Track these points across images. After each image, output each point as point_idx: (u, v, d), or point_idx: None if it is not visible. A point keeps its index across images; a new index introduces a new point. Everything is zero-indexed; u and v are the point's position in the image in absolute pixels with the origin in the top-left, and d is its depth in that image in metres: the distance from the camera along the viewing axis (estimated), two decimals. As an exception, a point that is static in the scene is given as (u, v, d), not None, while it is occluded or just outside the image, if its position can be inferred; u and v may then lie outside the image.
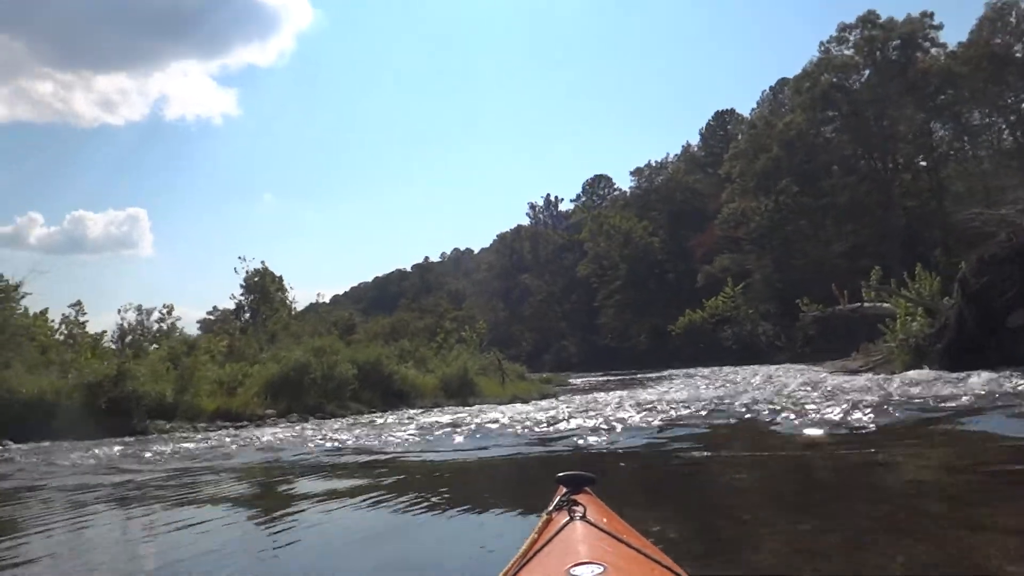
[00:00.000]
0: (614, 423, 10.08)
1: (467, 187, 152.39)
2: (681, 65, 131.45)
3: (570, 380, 37.32)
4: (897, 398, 11.75)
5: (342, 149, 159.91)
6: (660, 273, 64.10)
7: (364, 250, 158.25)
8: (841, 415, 9.31)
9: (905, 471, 5.56)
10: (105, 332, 22.09)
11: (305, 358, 15.60)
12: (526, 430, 9.72)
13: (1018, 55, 49.17)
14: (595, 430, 9.22)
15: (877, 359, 23.49)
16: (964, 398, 10.65)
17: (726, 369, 35.19)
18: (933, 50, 50.74)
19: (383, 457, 7.60)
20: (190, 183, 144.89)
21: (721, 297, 53.09)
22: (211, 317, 46.84)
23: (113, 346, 18.82)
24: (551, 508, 2.10)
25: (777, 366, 35.23)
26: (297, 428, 11.99)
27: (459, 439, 8.84)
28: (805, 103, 51.25)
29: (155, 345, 19.01)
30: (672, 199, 66.73)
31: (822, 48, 52.12)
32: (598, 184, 79.08)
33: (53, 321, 20.94)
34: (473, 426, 10.71)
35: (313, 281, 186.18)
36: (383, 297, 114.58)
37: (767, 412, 10.68)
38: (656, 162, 75.07)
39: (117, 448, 9.17)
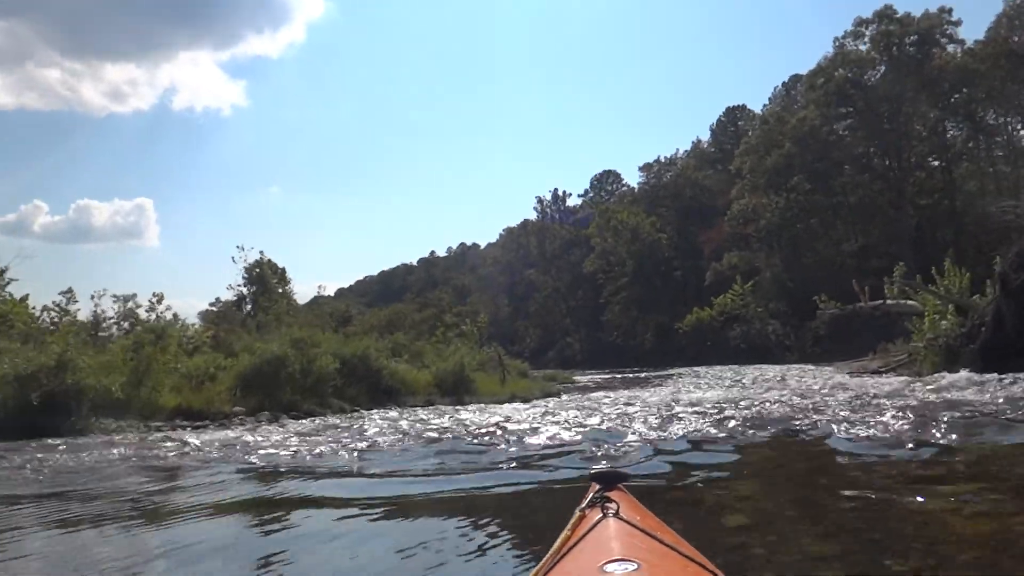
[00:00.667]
0: (624, 432, 8.57)
1: (475, 182, 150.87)
2: (692, 61, 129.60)
3: (574, 378, 35.72)
4: (942, 406, 10.14)
5: (350, 142, 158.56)
6: (667, 270, 62.40)
7: (370, 244, 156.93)
8: (885, 428, 7.72)
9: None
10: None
11: (282, 350, 14.03)
12: (520, 441, 8.14)
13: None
14: (602, 442, 7.68)
15: (900, 359, 21.83)
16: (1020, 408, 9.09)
17: (735, 368, 33.55)
18: (950, 47, 48.83)
19: (305, 489, 5.94)
20: (197, 174, 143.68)
21: (729, 295, 51.40)
22: (213, 309, 45.47)
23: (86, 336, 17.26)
24: (584, 505, 2.09)
25: (788, 366, 33.60)
26: (257, 431, 10.43)
27: (430, 458, 7.23)
28: (819, 99, 49.46)
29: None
30: (681, 195, 64.98)
31: (837, 43, 50.31)
32: (606, 179, 77.40)
33: (34, 308, 19.68)
34: (456, 434, 9.16)
35: (319, 275, 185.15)
36: (388, 291, 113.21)
37: (802, 421, 9.11)
38: (665, 158, 73.53)
39: (17, 456, 7.61)
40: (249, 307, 36.43)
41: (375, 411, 13.94)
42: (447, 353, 20.65)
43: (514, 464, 6.40)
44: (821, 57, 51.15)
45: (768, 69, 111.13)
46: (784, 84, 61.47)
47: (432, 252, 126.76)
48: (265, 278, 38.01)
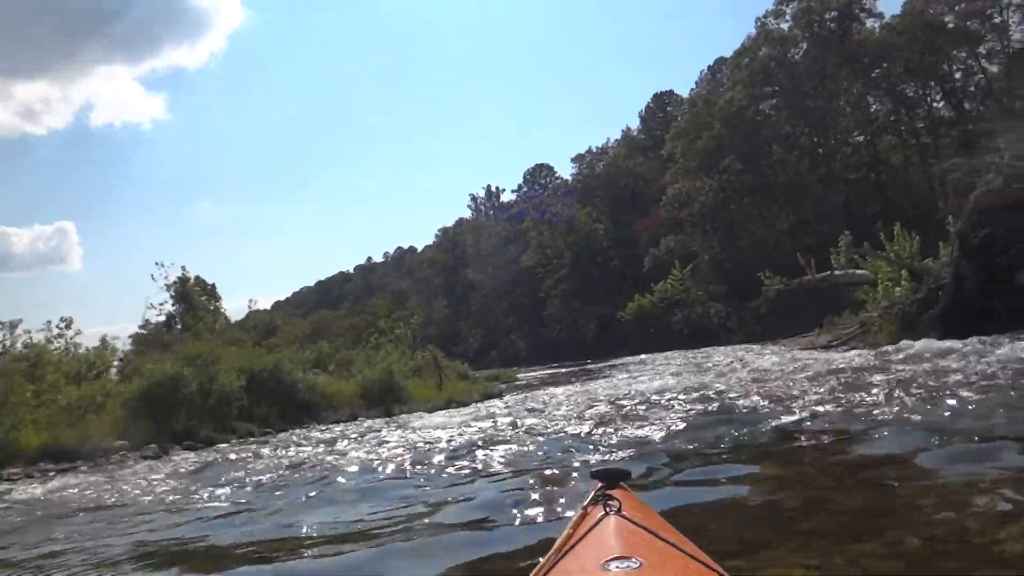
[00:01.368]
0: (571, 433, 7.14)
1: (408, 184, 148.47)
2: (618, 48, 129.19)
3: (518, 376, 34.27)
4: (913, 379, 8.95)
5: (278, 151, 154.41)
6: (605, 260, 61.32)
7: (306, 254, 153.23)
8: (854, 406, 6.84)
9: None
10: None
11: (175, 369, 12.08)
12: (444, 464, 6.54)
13: (950, 24, 47.57)
14: (547, 447, 6.21)
15: (850, 332, 20.83)
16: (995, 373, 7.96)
17: (681, 353, 32.42)
18: (869, 21, 48.74)
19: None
20: (121, 193, 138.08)
21: (669, 281, 50.50)
22: (143, 331, 42.82)
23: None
24: (586, 503, 2.08)
25: (734, 347, 32.59)
26: (124, 471, 8.59)
27: (316, 502, 5.57)
28: (744, 79, 48.88)
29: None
30: (614, 184, 63.95)
31: (759, 23, 49.84)
32: (539, 173, 76.04)
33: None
34: (364, 461, 7.50)
35: (256, 288, 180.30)
36: (325, 301, 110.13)
37: (768, 407, 7.74)
38: (597, 148, 72.41)
39: None
40: (180, 327, 34.18)
41: (288, 432, 12.13)
42: (376, 360, 18.87)
43: (434, 492, 4.79)
44: (745, 37, 50.71)
45: (693, 54, 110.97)
46: (710, 68, 60.99)
47: (369, 259, 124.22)
48: (189, 295, 35.84)
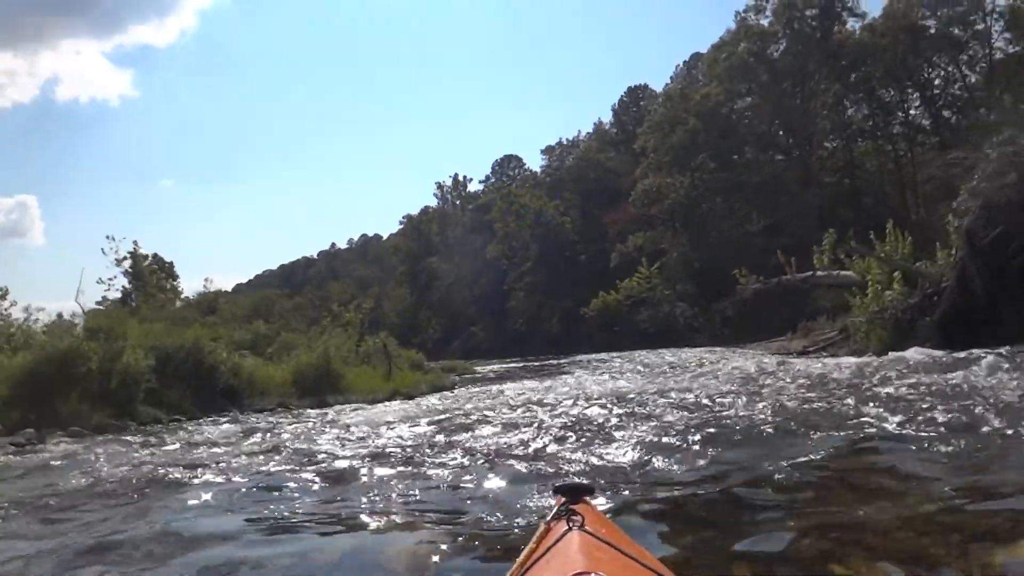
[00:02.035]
0: (525, 440, 6.18)
1: (376, 170, 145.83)
2: (593, 41, 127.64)
3: (476, 368, 32.69)
4: (911, 392, 7.70)
5: (246, 132, 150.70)
6: (572, 255, 59.90)
7: (269, 237, 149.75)
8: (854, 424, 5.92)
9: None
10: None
11: (74, 344, 10.30)
12: (353, 473, 5.01)
13: (932, 30, 46.86)
14: (492, 458, 4.75)
15: (829, 338, 19.59)
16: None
17: (646, 354, 31.07)
18: (851, 20, 47.80)
19: None
20: (84, 168, 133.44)
21: (636, 278, 49.23)
22: (101, 308, 41.22)
23: None
24: (550, 518, 2.06)
25: (701, 349, 31.35)
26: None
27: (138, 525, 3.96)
28: (722, 74, 47.72)
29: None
30: (584, 178, 62.56)
31: (739, 17, 48.65)
32: (508, 164, 74.40)
33: None
34: (251, 464, 5.89)
35: (219, 270, 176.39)
36: (288, 285, 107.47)
37: (764, 421, 6.36)
38: (567, 140, 71.00)
39: None
40: (135, 304, 32.61)
41: (199, 422, 10.44)
42: (318, 344, 17.15)
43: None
44: (724, 31, 49.56)
45: (668, 48, 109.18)
46: (685, 63, 59.81)
47: (333, 244, 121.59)
48: (140, 271, 34.12)
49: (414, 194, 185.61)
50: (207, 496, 4.73)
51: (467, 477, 4.91)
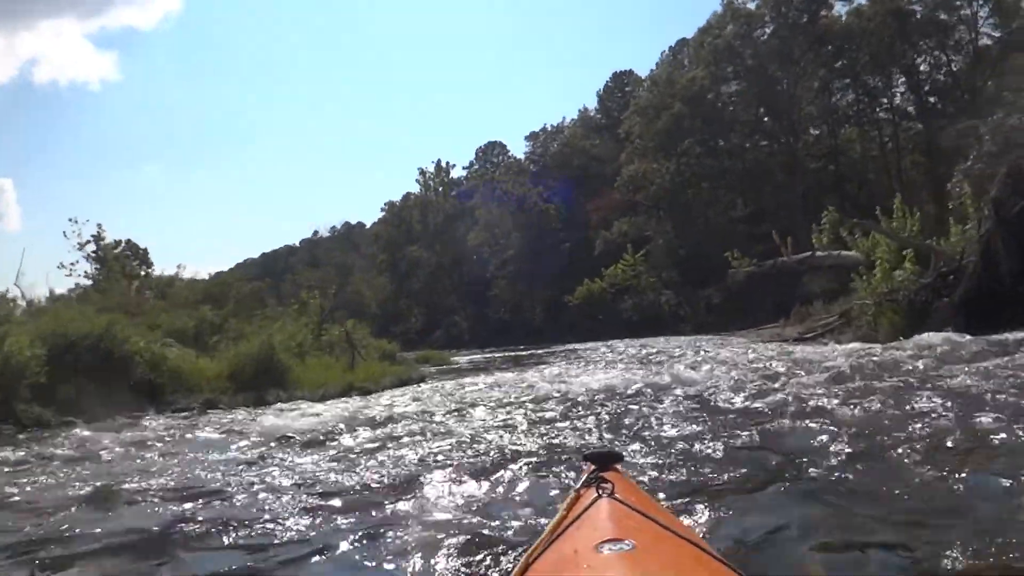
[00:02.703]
0: (478, 450, 5.20)
1: (361, 158, 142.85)
2: (579, 26, 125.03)
3: (453, 359, 30.82)
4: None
5: (230, 118, 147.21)
6: (556, 242, 58.01)
7: (252, 224, 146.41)
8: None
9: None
10: None
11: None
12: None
13: (918, 14, 45.26)
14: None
15: (828, 323, 17.87)
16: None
17: (632, 342, 29.30)
18: (839, 4, 46.06)
19: None
20: (65, 153, 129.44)
21: (620, 265, 47.47)
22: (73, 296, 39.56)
23: None
24: (579, 485, 2.09)
25: (688, 338, 29.62)
26: None
27: None
28: (708, 57, 45.90)
29: None
30: (568, 164, 60.62)
31: (724, 1, 46.76)
32: (492, 151, 72.24)
33: None
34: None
35: (199, 257, 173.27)
36: (269, 273, 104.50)
37: (792, 423, 5.32)
38: (552, 126, 68.90)
39: None
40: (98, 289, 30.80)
41: (96, 425, 8.54)
42: (270, 330, 15.24)
43: None
44: (711, 14, 47.71)
45: (655, 35, 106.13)
46: (671, 48, 57.89)
47: (315, 232, 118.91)
48: (105, 256, 32.06)
49: (398, 182, 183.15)
50: None
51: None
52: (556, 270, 54.68)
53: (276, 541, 3.41)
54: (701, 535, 1.65)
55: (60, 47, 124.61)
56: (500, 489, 4.11)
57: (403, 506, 3.84)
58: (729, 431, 5.43)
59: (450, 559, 2.99)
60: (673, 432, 5.58)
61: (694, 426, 5.79)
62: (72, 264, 27.95)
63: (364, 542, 3.31)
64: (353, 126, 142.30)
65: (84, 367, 9.61)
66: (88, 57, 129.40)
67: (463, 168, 72.97)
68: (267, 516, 3.81)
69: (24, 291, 17.85)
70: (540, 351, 31.62)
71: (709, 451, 4.77)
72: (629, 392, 8.68)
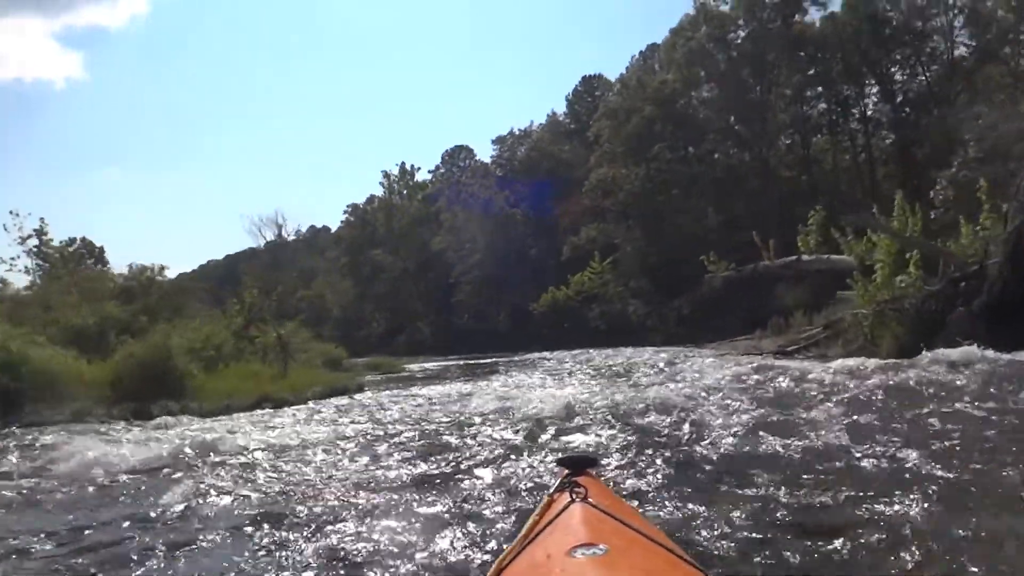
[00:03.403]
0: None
1: (327, 161, 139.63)
2: (548, 30, 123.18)
3: (408, 366, 28.81)
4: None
5: (196, 120, 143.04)
6: (522, 248, 56.16)
7: (215, 226, 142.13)
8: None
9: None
10: None
11: None
12: None
13: (894, 22, 44.29)
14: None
15: (812, 335, 16.19)
16: None
17: (598, 353, 27.50)
18: (814, 9, 44.84)
19: None
20: (25, 153, 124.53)
21: (587, 273, 45.75)
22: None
23: None
24: (552, 490, 2.10)
25: (658, 349, 27.87)
26: None
27: None
28: (680, 60, 44.42)
29: None
30: (536, 169, 58.82)
31: (698, 3, 45.34)
32: (458, 155, 70.25)
33: None
34: None
35: (164, 258, 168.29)
36: (232, 275, 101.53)
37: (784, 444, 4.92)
38: (519, 130, 67.05)
39: None
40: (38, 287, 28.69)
41: None
42: (185, 328, 13.13)
43: None
44: (683, 16, 46.22)
45: (625, 39, 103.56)
46: (642, 53, 56.44)
47: (280, 234, 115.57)
48: (46, 253, 29.87)
49: (366, 186, 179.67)
50: None
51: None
52: (522, 276, 52.83)
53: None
54: (674, 540, 1.67)
55: (25, 45, 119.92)
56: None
57: None
58: (708, 447, 5.23)
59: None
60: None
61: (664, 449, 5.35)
62: (13, 259, 26.02)
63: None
64: (321, 129, 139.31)
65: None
66: (54, 56, 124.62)
67: (428, 172, 71.04)
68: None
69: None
70: (502, 360, 29.99)
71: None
72: (585, 414, 6.91)
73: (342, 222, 74.88)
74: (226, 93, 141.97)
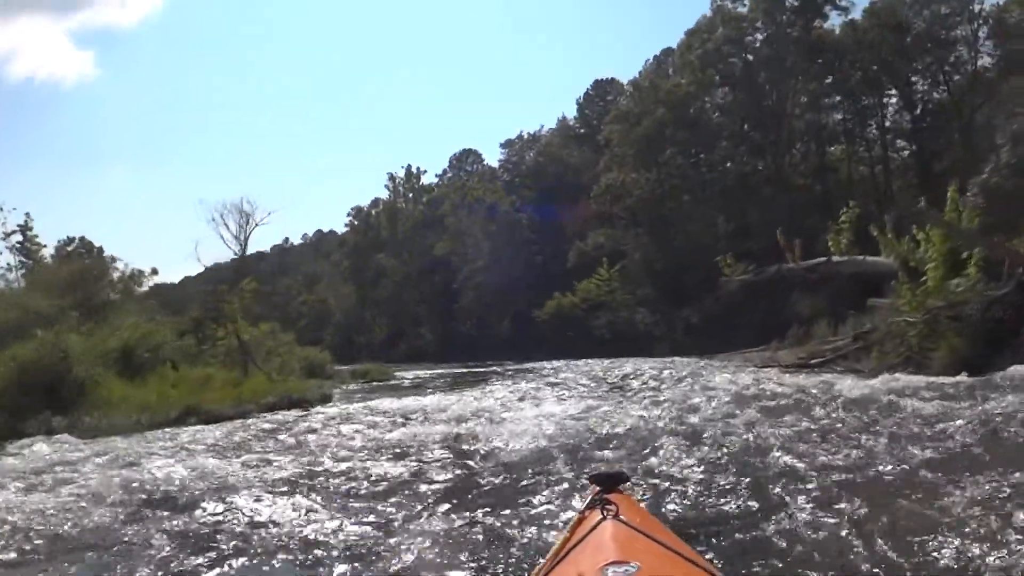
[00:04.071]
0: None
1: (337, 164, 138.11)
2: (561, 33, 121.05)
3: (399, 374, 26.95)
4: None
5: (206, 120, 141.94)
6: (528, 254, 54.26)
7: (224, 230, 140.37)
8: None
9: None
10: None
11: None
12: None
13: (917, 27, 42.36)
14: None
15: (839, 347, 14.24)
16: None
17: (604, 363, 25.53)
18: (835, 14, 42.93)
19: None
20: (34, 150, 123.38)
21: (594, 280, 43.86)
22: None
23: None
24: (583, 507, 2.05)
25: (666, 360, 25.93)
26: None
27: None
28: (695, 62, 42.57)
29: None
30: (544, 173, 57.00)
31: (715, 3, 43.51)
32: (466, 159, 68.42)
33: None
34: None
35: (170, 260, 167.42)
36: (239, 279, 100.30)
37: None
38: (529, 134, 65.21)
39: None
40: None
41: None
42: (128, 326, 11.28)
43: None
44: (699, 17, 44.36)
45: (640, 43, 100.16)
46: (656, 57, 54.49)
47: (286, 239, 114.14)
48: (29, 249, 28.65)
49: (371, 190, 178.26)
50: None
51: None
52: (527, 283, 50.95)
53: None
54: (709, 559, 1.59)
55: (38, 43, 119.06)
56: None
57: None
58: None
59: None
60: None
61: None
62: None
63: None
64: (333, 131, 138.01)
65: None
66: (67, 54, 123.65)
67: (436, 175, 69.28)
68: None
69: None
70: (502, 369, 28.16)
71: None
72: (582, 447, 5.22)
73: (346, 225, 73.11)
74: (236, 94, 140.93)
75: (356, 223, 68.78)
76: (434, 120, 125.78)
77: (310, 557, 3.53)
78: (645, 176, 44.05)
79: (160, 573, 3.39)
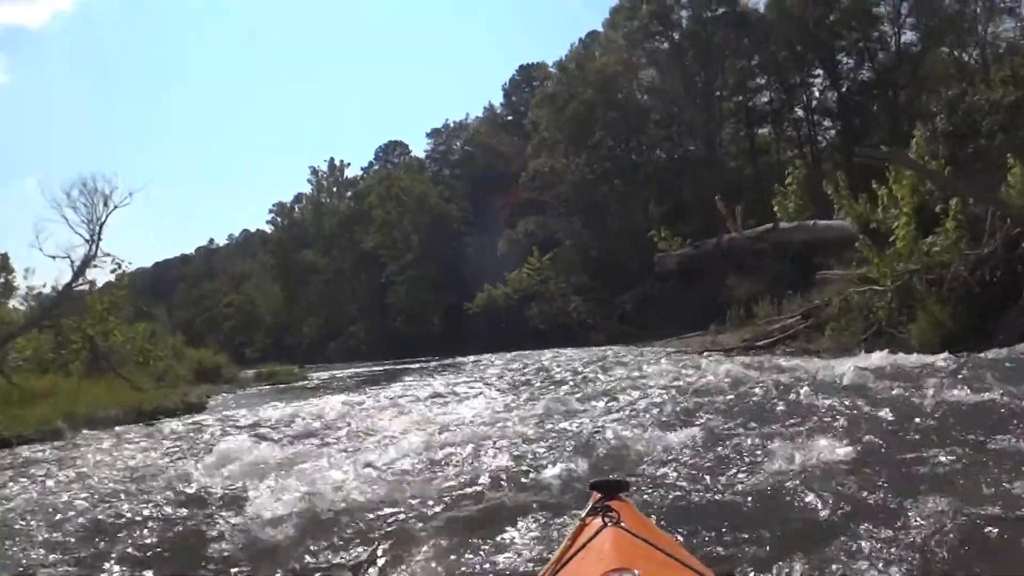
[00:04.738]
0: None
1: (260, 162, 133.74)
2: (484, 17, 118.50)
3: (314, 374, 24.65)
4: None
5: (119, 125, 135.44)
6: (459, 246, 52.11)
7: (146, 236, 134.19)
8: None
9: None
10: None
11: None
12: None
13: (843, 3, 41.63)
14: None
15: (787, 327, 12.57)
16: None
17: (536, 355, 23.65)
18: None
19: None
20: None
21: (525, 269, 41.98)
22: None
23: None
24: (584, 514, 2.00)
25: (604, 348, 24.21)
26: None
27: None
28: (621, 42, 41.01)
29: None
30: (473, 163, 54.89)
31: (641, -19, 41.89)
32: (392, 150, 65.72)
33: None
34: None
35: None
36: (160, 284, 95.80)
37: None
38: (455, 122, 62.92)
39: None
40: None
41: None
42: None
43: None
44: (624, -5, 42.67)
45: (565, 27, 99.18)
46: (581, 40, 52.80)
47: (211, 240, 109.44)
48: None
49: (296, 187, 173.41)
50: None
51: None
52: (459, 276, 48.79)
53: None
54: (710, 567, 1.52)
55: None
56: None
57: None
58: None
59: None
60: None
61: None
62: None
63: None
64: (250, 129, 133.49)
65: None
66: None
67: (361, 168, 66.42)
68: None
69: None
70: (431, 364, 26.63)
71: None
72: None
73: (268, 222, 69.57)
74: (149, 94, 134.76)
75: (280, 220, 65.51)
76: (359, 114, 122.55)
77: None
78: (575, 161, 42.39)
79: None
